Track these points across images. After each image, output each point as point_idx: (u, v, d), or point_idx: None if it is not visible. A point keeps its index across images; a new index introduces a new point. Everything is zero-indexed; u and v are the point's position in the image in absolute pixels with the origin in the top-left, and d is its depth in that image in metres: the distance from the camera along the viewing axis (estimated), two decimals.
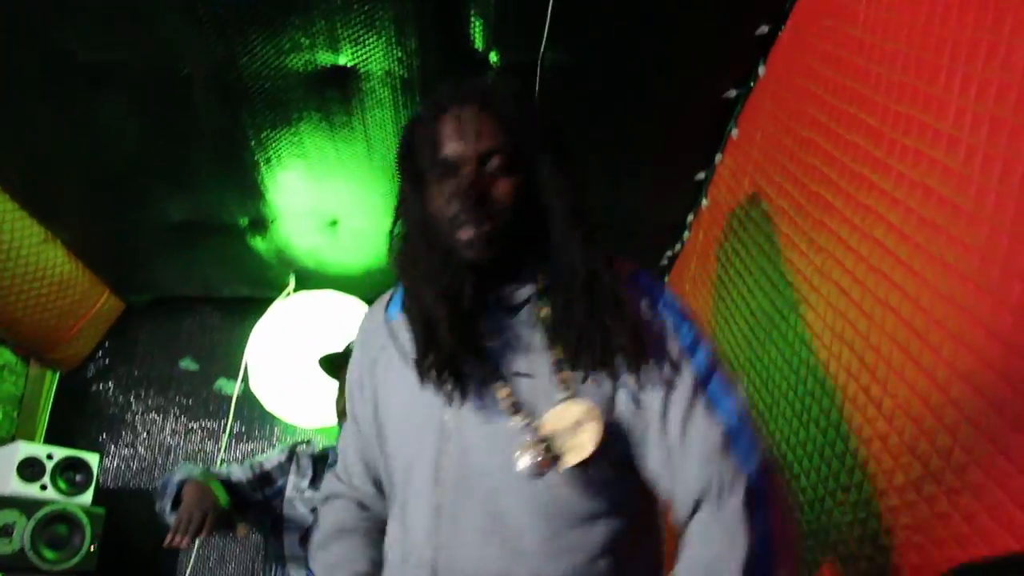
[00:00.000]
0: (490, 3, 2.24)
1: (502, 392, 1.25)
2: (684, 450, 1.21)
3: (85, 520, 3.30)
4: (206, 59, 2.44)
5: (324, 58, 2.44)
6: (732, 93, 2.52)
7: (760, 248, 2.39)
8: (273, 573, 2.44)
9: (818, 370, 2.01)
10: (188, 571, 3.71)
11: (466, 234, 1.24)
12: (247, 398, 3.85)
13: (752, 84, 2.46)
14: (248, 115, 2.68)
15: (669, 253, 3.47)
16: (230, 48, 2.39)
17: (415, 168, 1.32)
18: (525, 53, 2.40)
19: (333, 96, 2.60)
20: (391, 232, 1.38)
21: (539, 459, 1.18)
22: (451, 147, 1.26)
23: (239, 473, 2.44)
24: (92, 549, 3.30)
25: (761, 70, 2.38)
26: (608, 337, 1.22)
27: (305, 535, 2.36)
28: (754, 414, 2.39)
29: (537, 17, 2.26)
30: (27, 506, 3.18)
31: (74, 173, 3.07)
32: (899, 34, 1.61)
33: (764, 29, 2.27)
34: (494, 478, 1.23)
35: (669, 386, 1.23)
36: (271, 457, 2.54)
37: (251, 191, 3.13)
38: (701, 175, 2.91)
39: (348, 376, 1.54)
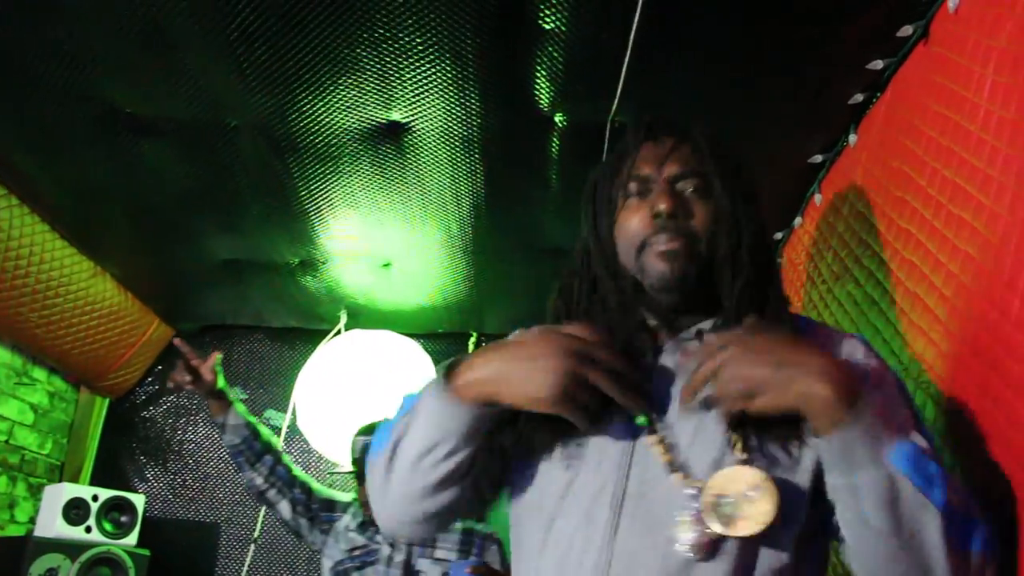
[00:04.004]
0: (559, 61, 2.07)
1: (658, 448, 1.09)
2: None
3: (129, 562, 3.24)
4: (253, 113, 2.31)
5: (377, 114, 2.29)
6: (818, 158, 2.32)
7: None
8: None
9: None
10: None
11: (661, 247, 1.15)
12: (296, 430, 3.76)
13: (840, 150, 2.25)
14: (297, 167, 2.55)
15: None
16: (278, 103, 2.26)
17: (607, 195, 1.24)
18: (593, 114, 2.24)
19: (387, 151, 2.46)
20: (565, 270, 1.30)
21: (703, 535, 1.02)
22: (646, 168, 1.21)
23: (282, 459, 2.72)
24: None
25: (852, 138, 2.17)
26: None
27: (335, 566, 2.61)
28: None
29: (609, 76, 2.09)
30: (72, 549, 3.13)
31: (122, 212, 2.98)
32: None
33: (858, 98, 2.06)
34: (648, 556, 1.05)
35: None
36: (342, 495, 2.78)
37: (301, 235, 3.02)
38: (778, 235, 2.71)
39: None
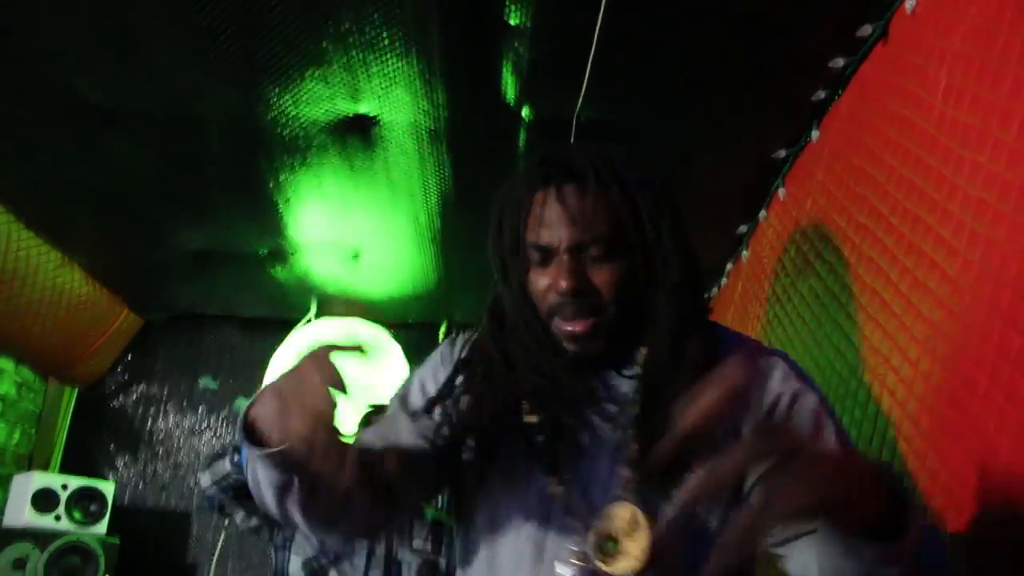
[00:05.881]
0: (525, 56, 2.09)
1: (555, 488, 1.10)
2: None
3: (99, 551, 3.24)
4: (221, 106, 2.31)
5: (345, 107, 2.30)
6: (781, 153, 2.35)
7: (806, 324, 2.23)
8: None
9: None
10: None
11: (567, 327, 1.12)
12: None
13: (803, 146, 2.28)
14: (266, 159, 2.55)
15: (705, 296, 3.31)
16: (245, 96, 2.26)
17: (512, 246, 1.17)
18: (560, 108, 2.25)
19: (354, 143, 2.46)
20: (490, 301, 1.25)
21: (582, 570, 1.03)
22: (546, 234, 1.12)
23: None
24: None
25: (814, 134, 2.20)
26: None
27: (308, 562, 2.49)
28: None
29: (575, 71, 2.10)
30: (41, 538, 3.13)
31: (89, 203, 2.96)
32: (980, 144, 1.44)
33: (820, 95, 2.09)
34: None
35: None
36: None
37: (270, 227, 3.01)
38: (743, 228, 2.75)
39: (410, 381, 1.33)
